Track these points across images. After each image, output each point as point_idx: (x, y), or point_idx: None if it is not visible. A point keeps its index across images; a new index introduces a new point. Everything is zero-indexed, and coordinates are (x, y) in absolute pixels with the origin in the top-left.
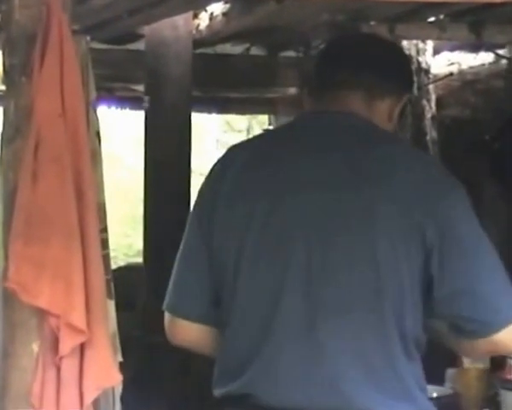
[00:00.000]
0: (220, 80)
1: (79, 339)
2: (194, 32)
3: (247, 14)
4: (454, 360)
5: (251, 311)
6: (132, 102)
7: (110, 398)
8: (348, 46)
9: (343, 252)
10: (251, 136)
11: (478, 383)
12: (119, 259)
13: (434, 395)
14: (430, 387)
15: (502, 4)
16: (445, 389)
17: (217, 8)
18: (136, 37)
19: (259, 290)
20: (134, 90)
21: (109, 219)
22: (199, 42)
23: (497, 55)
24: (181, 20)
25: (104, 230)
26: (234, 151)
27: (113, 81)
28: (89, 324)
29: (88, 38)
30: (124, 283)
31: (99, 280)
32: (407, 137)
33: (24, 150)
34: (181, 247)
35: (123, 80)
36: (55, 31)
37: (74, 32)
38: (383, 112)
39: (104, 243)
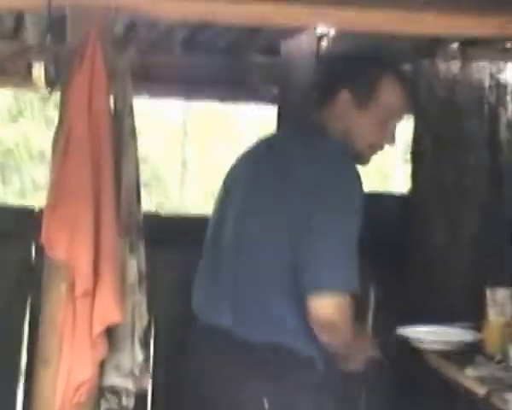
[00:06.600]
0: None
1: (87, 284)
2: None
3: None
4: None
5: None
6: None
7: (128, 329)
8: None
9: (258, 227)
10: None
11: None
12: None
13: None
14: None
15: None
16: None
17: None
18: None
19: (213, 240)
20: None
21: None
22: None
23: None
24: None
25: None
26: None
27: None
28: (99, 274)
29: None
30: None
31: (110, 238)
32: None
33: (60, 137)
34: None
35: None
36: (90, 51)
37: (124, 51)
38: None
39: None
